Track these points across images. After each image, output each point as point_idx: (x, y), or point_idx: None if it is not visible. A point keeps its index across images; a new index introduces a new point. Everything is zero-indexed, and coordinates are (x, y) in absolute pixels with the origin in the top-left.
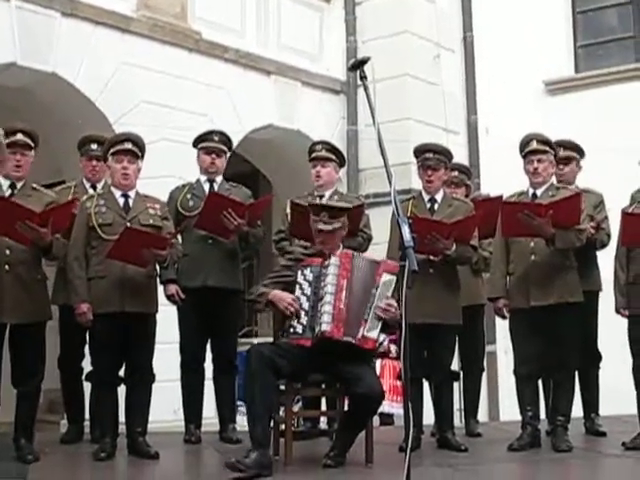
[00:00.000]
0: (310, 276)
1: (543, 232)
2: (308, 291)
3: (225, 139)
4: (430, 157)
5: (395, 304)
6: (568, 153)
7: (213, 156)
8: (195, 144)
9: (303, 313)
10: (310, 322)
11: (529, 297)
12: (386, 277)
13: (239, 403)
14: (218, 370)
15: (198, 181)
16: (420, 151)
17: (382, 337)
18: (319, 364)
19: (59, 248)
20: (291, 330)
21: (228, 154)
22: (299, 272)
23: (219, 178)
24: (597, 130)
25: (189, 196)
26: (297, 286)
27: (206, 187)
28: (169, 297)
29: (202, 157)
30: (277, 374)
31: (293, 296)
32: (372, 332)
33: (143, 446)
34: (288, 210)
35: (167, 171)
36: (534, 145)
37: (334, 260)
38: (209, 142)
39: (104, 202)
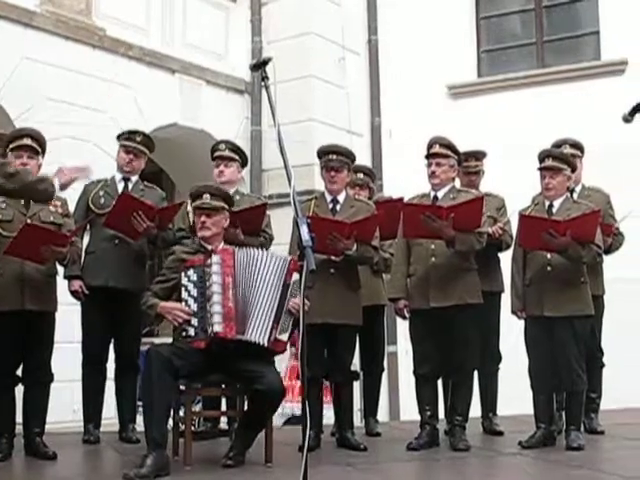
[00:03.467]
0: (194, 277)
1: (444, 234)
2: (194, 292)
3: (147, 141)
4: (333, 159)
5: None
6: (479, 164)
7: (131, 156)
8: (118, 138)
9: (192, 316)
10: (201, 324)
11: (429, 298)
12: (295, 276)
13: (139, 403)
14: (120, 370)
15: (113, 178)
16: (323, 152)
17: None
18: (218, 363)
19: None
20: (183, 334)
21: (147, 156)
22: (182, 274)
23: (134, 178)
24: (499, 134)
25: (101, 193)
26: (182, 288)
27: (120, 186)
28: (73, 293)
29: (121, 154)
30: (175, 375)
31: (181, 306)
32: (283, 334)
33: (40, 447)
34: (189, 208)
35: None
36: (435, 149)
37: (216, 259)
38: (131, 142)
39: (4, 199)
